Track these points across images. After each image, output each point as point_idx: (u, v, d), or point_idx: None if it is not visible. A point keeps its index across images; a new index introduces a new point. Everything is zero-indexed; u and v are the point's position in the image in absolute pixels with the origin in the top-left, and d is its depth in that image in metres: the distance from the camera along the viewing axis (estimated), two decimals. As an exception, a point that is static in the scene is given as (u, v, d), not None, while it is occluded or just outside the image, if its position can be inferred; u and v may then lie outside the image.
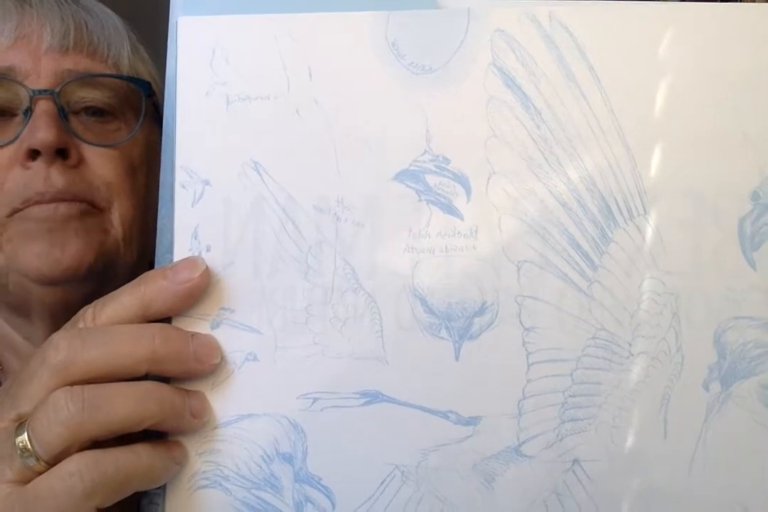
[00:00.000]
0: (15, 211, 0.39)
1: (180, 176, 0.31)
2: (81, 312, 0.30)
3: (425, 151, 0.31)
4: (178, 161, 0.31)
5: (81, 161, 0.40)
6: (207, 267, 0.30)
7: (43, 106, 0.39)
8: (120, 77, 0.43)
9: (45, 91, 0.39)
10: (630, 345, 0.30)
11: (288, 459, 0.30)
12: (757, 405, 0.30)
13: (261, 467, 0.30)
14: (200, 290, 0.29)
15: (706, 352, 0.30)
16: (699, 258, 0.30)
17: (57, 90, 0.40)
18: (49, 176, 0.39)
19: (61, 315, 0.40)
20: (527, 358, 0.30)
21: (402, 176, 0.31)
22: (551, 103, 0.30)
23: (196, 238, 0.30)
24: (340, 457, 0.30)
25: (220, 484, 0.30)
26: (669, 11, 0.31)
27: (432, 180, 0.31)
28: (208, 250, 0.30)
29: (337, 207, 0.30)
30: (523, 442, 0.30)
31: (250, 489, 0.30)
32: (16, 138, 0.39)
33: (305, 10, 0.31)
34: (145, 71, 0.46)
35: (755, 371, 0.30)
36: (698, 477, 0.30)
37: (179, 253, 0.30)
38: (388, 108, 0.31)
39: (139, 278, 0.29)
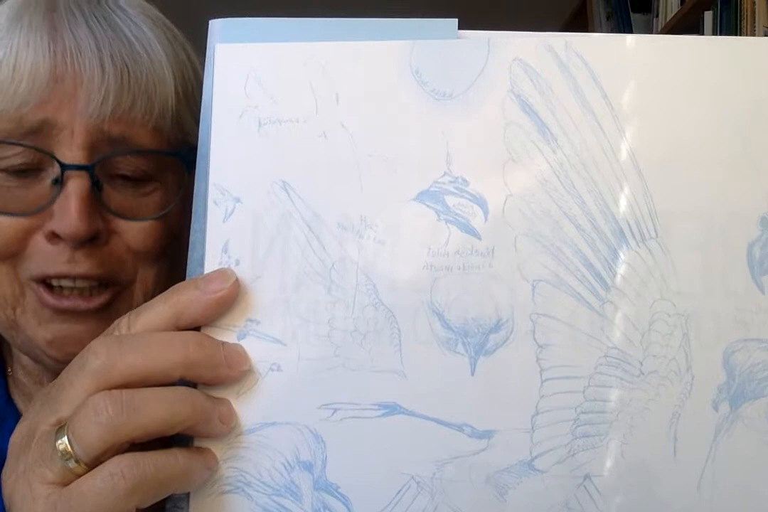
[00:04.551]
0: (34, 280, 0.38)
1: (213, 193, 0.32)
2: (116, 322, 0.31)
3: (445, 173, 0.32)
4: (212, 179, 0.32)
5: (110, 235, 0.38)
6: (237, 279, 0.31)
7: (76, 183, 0.36)
8: (161, 153, 0.40)
9: (79, 166, 0.37)
10: (641, 364, 0.31)
11: (308, 467, 0.31)
12: (766, 425, 0.30)
13: (282, 474, 0.31)
14: (230, 300, 0.31)
15: (715, 373, 0.31)
16: (709, 281, 0.31)
17: (91, 165, 0.37)
18: (73, 258, 0.37)
19: None
20: (541, 375, 0.31)
21: (422, 197, 0.32)
22: (566, 129, 0.32)
23: (226, 252, 0.32)
24: (358, 466, 0.31)
25: (243, 490, 0.31)
26: (680, 43, 0.32)
27: (451, 200, 0.32)
28: (237, 263, 0.32)
29: (360, 225, 0.32)
30: (536, 457, 0.31)
31: (271, 495, 0.31)
32: (41, 209, 0.37)
33: (335, 39, 0.33)
34: (190, 119, 0.42)
35: (764, 392, 0.31)
36: (707, 495, 0.30)
37: (210, 266, 0.32)
38: (410, 132, 0.32)
39: (171, 288, 0.31)
